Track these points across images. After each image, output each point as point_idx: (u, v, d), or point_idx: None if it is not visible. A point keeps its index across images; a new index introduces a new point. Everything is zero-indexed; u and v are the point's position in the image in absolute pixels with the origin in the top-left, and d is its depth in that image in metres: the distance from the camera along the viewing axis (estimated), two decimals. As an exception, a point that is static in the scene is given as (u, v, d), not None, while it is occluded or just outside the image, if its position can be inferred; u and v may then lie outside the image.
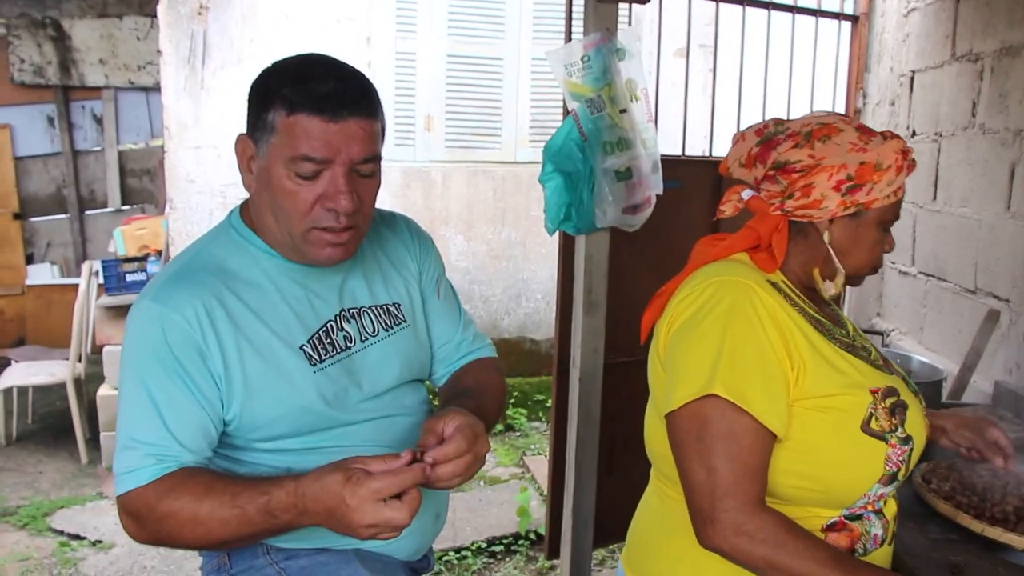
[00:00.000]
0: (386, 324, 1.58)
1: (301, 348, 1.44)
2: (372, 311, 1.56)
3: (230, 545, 1.44)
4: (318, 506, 1.23)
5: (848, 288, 3.74)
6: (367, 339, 1.54)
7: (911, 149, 1.41)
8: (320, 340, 1.47)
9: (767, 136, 1.44)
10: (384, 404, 1.54)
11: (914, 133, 3.47)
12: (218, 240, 1.51)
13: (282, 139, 1.37)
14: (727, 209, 1.47)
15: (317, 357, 1.45)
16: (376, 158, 1.42)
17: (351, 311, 1.53)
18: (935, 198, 3.26)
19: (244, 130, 1.44)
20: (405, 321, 1.61)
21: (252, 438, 1.44)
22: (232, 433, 1.43)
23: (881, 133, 1.42)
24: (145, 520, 1.33)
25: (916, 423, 1.40)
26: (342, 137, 1.36)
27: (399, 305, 1.62)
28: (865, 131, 1.41)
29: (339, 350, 1.49)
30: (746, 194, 1.46)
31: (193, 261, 1.47)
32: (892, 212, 1.43)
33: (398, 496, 1.21)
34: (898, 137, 1.40)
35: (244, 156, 1.44)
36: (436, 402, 1.68)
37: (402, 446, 1.53)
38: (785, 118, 1.50)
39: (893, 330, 3.59)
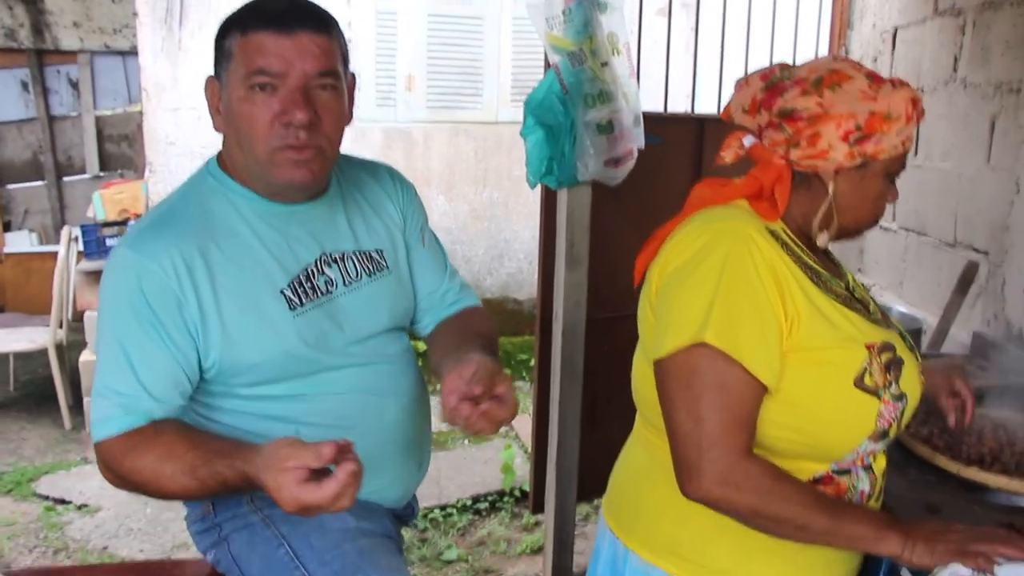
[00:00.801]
0: (369, 270, 1.57)
1: (281, 292, 1.44)
2: (355, 256, 1.56)
3: (199, 499, 1.47)
4: (266, 483, 1.21)
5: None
6: (350, 284, 1.54)
7: (920, 97, 1.36)
8: (300, 284, 1.47)
9: (772, 81, 1.38)
10: (367, 350, 1.54)
11: (895, 89, 3.47)
12: (196, 188, 1.50)
13: (238, 60, 1.38)
14: (727, 155, 1.42)
15: (297, 301, 1.45)
16: (333, 74, 1.42)
17: (332, 255, 1.53)
18: (916, 153, 3.27)
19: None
20: (388, 268, 1.61)
21: (235, 383, 1.44)
22: (213, 379, 1.44)
23: (890, 80, 1.36)
24: (115, 470, 1.36)
25: (911, 380, 1.37)
26: (295, 51, 1.37)
27: (382, 251, 1.61)
28: (876, 79, 1.35)
29: (320, 294, 1.49)
30: (748, 140, 1.40)
31: (170, 210, 1.47)
32: (899, 163, 1.38)
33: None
34: (907, 85, 1.35)
35: (212, 98, 1.46)
36: (421, 350, 1.69)
37: (383, 393, 1.55)
38: (792, 64, 1.45)
39: (874, 285, 3.61)
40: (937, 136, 3.12)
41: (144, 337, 1.36)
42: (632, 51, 2.54)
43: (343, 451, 1.18)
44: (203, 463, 1.29)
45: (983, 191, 2.79)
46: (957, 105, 2.96)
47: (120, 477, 1.36)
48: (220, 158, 1.53)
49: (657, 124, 2.78)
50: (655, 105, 3.30)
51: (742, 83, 1.43)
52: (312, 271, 1.49)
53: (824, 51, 3.87)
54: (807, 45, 3.73)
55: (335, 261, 1.53)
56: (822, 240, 1.39)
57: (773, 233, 1.35)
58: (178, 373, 1.39)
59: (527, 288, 5.74)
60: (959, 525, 1.31)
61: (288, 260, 1.47)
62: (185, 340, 1.39)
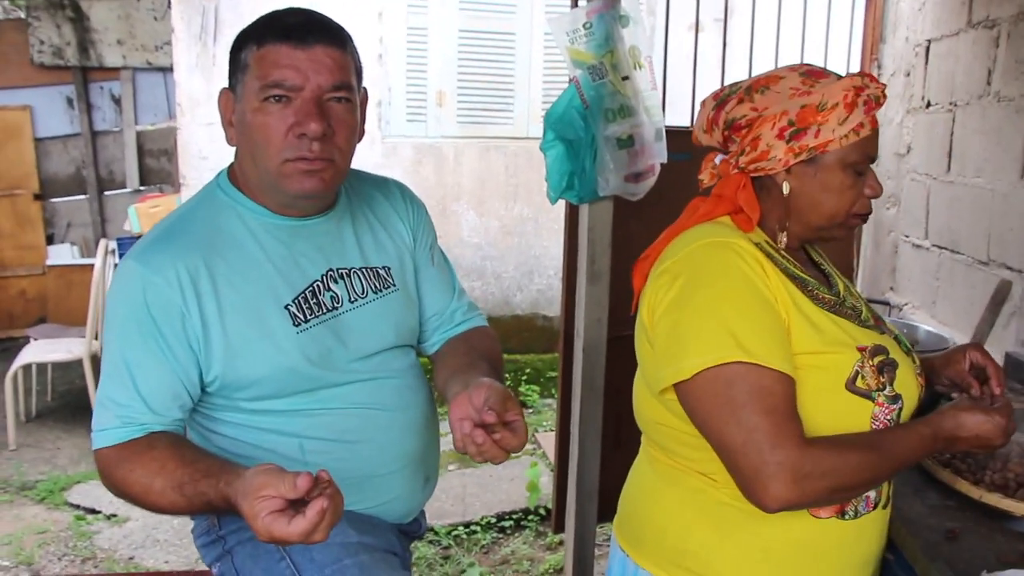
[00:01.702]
0: (375, 287, 1.57)
1: (286, 308, 1.44)
2: (361, 273, 1.56)
3: (189, 515, 1.48)
4: (237, 510, 1.20)
5: (861, 260, 3.70)
6: (355, 300, 1.53)
7: (868, 85, 1.34)
8: (306, 299, 1.46)
9: (721, 98, 1.41)
10: (372, 366, 1.53)
11: (929, 104, 3.41)
12: (205, 201, 1.51)
13: (254, 72, 1.39)
14: (705, 177, 1.46)
15: (302, 317, 1.45)
16: (348, 87, 1.43)
17: (339, 271, 1.53)
18: (949, 169, 3.20)
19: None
20: (395, 285, 1.60)
21: (238, 397, 1.44)
22: (216, 393, 1.44)
23: (840, 74, 1.37)
24: (109, 479, 1.37)
25: (907, 382, 1.37)
26: (310, 63, 1.37)
27: (389, 269, 1.61)
28: (815, 74, 1.37)
29: (325, 310, 1.48)
30: (718, 159, 1.44)
31: (179, 222, 1.48)
32: (858, 153, 1.35)
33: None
34: (861, 74, 1.35)
35: (226, 110, 1.46)
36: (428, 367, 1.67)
37: (389, 408, 1.54)
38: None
39: (907, 304, 3.54)
40: (970, 152, 3.05)
41: (145, 350, 1.37)
42: (655, 65, 2.52)
43: (320, 484, 1.14)
44: (190, 481, 1.29)
45: (1017, 208, 2.72)
46: (991, 119, 2.90)
47: (114, 486, 1.37)
48: (231, 172, 1.54)
49: (685, 139, 2.75)
50: (684, 120, 3.28)
51: (701, 105, 1.47)
52: (318, 287, 1.49)
53: (855, 65, 3.82)
54: (838, 59, 3.68)
55: (341, 277, 1.53)
56: (782, 241, 1.40)
57: (757, 245, 1.36)
58: (178, 387, 1.39)
59: (556, 305, 5.71)
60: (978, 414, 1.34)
61: (294, 275, 1.47)
62: (187, 354, 1.39)
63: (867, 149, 1.37)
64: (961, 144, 3.12)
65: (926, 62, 3.46)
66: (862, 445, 1.28)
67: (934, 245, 3.32)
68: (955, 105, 3.17)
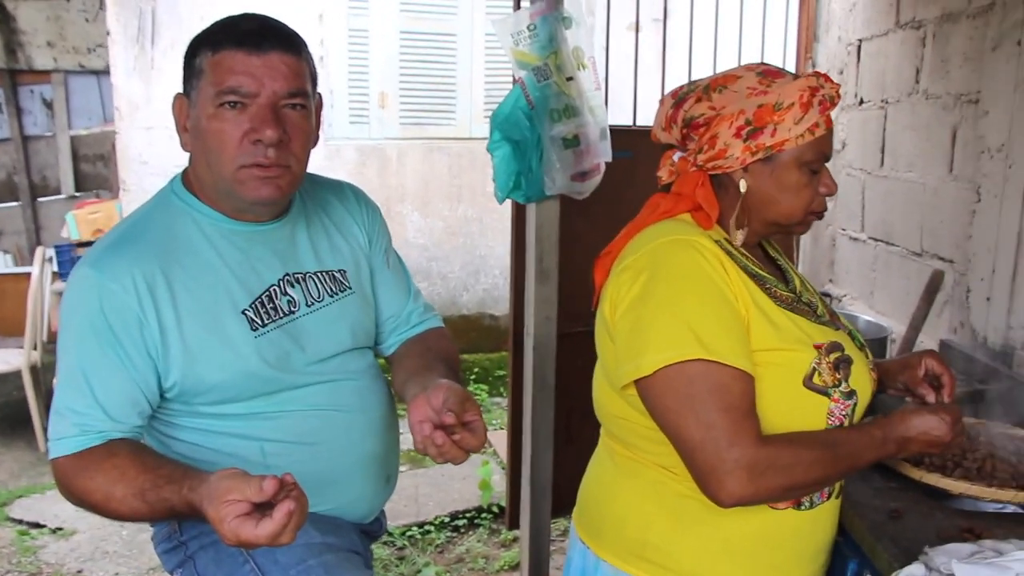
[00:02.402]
0: (331, 290, 1.58)
1: (243, 313, 1.44)
2: (317, 276, 1.57)
3: (150, 522, 1.48)
4: (203, 515, 1.21)
5: (800, 254, 3.79)
6: (312, 304, 1.54)
7: (823, 85, 1.37)
8: (263, 304, 1.47)
9: (680, 96, 1.43)
10: (330, 368, 1.54)
11: (862, 101, 3.52)
12: (159, 207, 1.51)
13: (209, 78, 1.39)
14: (663, 174, 1.47)
15: (259, 322, 1.46)
16: (303, 94, 1.43)
17: (296, 276, 1.53)
18: (882, 164, 3.31)
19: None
20: (351, 288, 1.62)
21: (197, 402, 1.44)
22: (175, 398, 1.44)
23: (796, 74, 1.40)
24: (68, 488, 1.36)
25: (861, 377, 1.40)
26: (266, 69, 1.38)
27: (344, 272, 1.62)
28: (771, 74, 1.39)
29: (282, 315, 1.49)
30: (676, 156, 1.45)
31: (134, 228, 1.47)
32: (813, 152, 1.38)
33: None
34: (816, 75, 1.38)
35: (180, 115, 1.46)
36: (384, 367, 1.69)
37: (348, 410, 1.55)
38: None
39: (845, 295, 3.65)
40: (902, 147, 3.16)
41: (103, 357, 1.36)
42: (599, 65, 2.56)
43: (286, 487, 1.15)
44: (152, 487, 1.29)
45: (946, 200, 2.83)
46: (920, 116, 3.01)
47: (74, 496, 1.36)
48: (185, 177, 1.53)
49: (626, 137, 2.81)
50: (625, 119, 3.33)
51: (660, 102, 1.48)
52: (274, 291, 1.49)
53: (791, 64, 3.92)
54: (774, 58, 3.77)
55: (298, 281, 1.53)
56: (738, 238, 1.41)
57: (717, 243, 1.38)
58: (136, 394, 1.39)
59: (503, 304, 5.75)
60: (928, 417, 1.37)
61: (251, 280, 1.47)
62: (144, 362, 1.39)
63: (822, 148, 1.39)
64: (893, 140, 3.22)
65: (858, 61, 3.57)
66: (817, 444, 1.31)
67: (870, 238, 3.43)
68: (886, 102, 3.28)
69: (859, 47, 3.56)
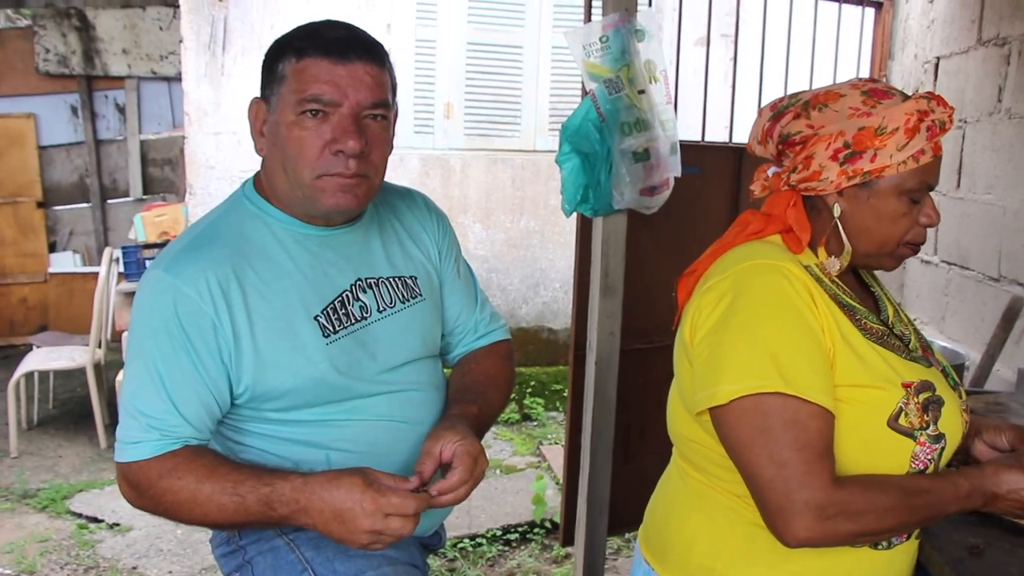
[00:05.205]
0: (403, 296, 1.56)
1: (315, 319, 1.43)
2: (389, 282, 1.55)
3: (220, 528, 1.48)
4: (324, 505, 1.26)
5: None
6: (384, 310, 1.52)
7: (935, 109, 1.28)
8: (335, 310, 1.46)
9: (779, 110, 1.37)
10: (399, 377, 1.53)
11: (938, 120, 3.43)
12: (231, 211, 1.50)
13: (291, 85, 1.38)
14: (756, 188, 1.41)
15: (331, 328, 1.44)
16: (385, 105, 1.43)
17: (368, 280, 1.52)
18: (959, 186, 3.22)
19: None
20: (421, 295, 1.60)
21: (266, 408, 1.43)
22: (244, 404, 1.43)
23: (905, 94, 1.31)
24: (144, 492, 1.35)
25: (952, 420, 1.32)
26: (349, 79, 1.37)
27: (415, 278, 1.60)
28: (878, 94, 1.30)
29: (354, 321, 1.48)
30: (771, 171, 1.39)
31: (206, 232, 1.46)
32: (916, 180, 1.28)
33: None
34: (928, 96, 1.28)
35: (257, 120, 1.45)
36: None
37: (414, 422, 1.53)
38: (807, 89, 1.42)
39: (915, 319, 3.54)
40: (980, 168, 3.06)
41: (178, 362, 1.35)
42: (670, 79, 2.53)
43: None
44: (250, 475, 1.31)
45: (1029, 225, 2.73)
46: (1002, 136, 2.91)
47: (150, 499, 1.35)
48: (256, 181, 1.53)
49: (695, 153, 2.77)
50: (693, 135, 3.29)
51: (758, 114, 1.42)
52: (347, 297, 1.48)
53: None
54: (847, 74, 3.69)
55: (370, 287, 1.52)
56: (832, 266, 1.34)
57: (807, 268, 1.32)
58: (209, 399, 1.38)
59: (562, 317, 5.71)
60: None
61: (323, 285, 1.46)
62: (217, 367, 1.38)
63: (927, 176, 1.30)
64: (971, 161, 3.13)
65: (935, 79, 3.48)
66: (895, 491, 1.23)
67: (943, 261, 3.33)
68: (964, 122, 3.19)
69: (936, 65, 3.47)
